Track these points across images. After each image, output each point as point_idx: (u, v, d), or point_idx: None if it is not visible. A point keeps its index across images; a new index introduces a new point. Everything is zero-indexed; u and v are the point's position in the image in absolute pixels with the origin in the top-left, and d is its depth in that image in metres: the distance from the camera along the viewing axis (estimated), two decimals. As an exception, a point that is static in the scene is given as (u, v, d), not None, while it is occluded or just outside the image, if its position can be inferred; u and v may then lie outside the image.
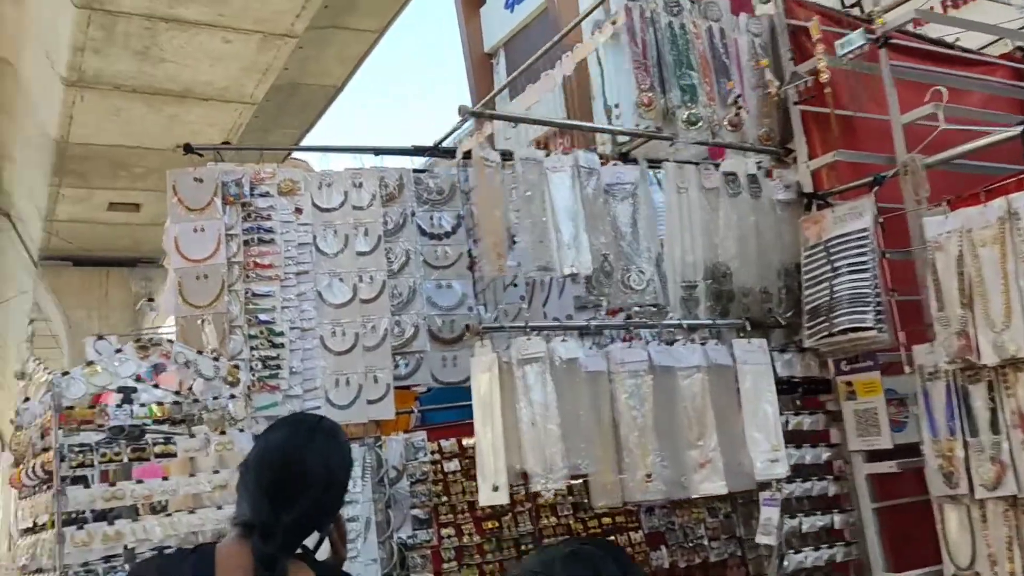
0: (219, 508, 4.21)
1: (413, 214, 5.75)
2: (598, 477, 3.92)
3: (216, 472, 4.25)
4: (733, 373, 4.31)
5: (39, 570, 4.13)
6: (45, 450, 3.97)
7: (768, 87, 4.46)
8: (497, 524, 5.54)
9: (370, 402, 5.34)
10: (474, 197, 4.15)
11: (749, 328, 4.49)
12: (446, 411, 5.71)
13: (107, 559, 4.10)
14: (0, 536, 4.45)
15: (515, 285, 5.63)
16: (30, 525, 4.09)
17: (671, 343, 4.22)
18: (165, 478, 4.11)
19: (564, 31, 5.62)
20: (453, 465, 5.51)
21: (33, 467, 3.97)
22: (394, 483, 5.22)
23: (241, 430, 4.31)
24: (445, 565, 5.32)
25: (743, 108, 4.38)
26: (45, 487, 4.02)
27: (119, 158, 13.71)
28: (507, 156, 4.63)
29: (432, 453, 5.38)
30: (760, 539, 4.16)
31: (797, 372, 4.59)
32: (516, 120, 4.60)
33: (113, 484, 3.97)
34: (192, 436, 4.20)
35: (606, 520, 5.78)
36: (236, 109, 12.20)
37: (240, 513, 2.15)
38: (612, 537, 5.79)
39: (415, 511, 5.27)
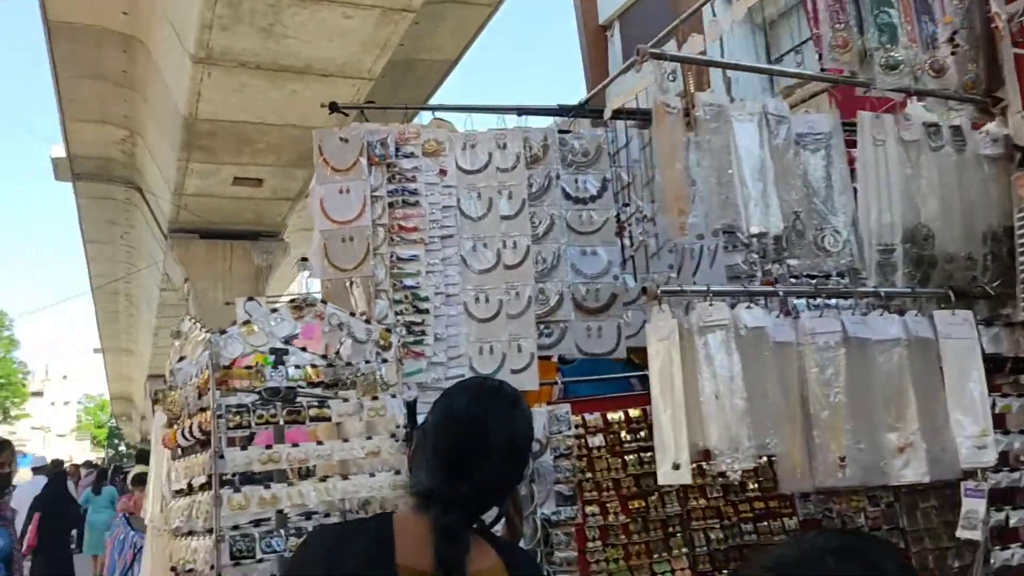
0: (371, 475, 3.96)
1: (558, 177, 5.39)
2: (786, 459, 3.51)
3: (368, 438, 4.00)
4: (935, 348, 3.80)
5: (191, 532, 3.98)
6: (202, 410, 3.79)
7: (993, 20, 3.85)
8: (643, 504, 5.16)
9: (514, 372, 5.03)
10: (654, 147, 3.75)
11: (952, 298, 3.97)
12: (590, 384, 5.33)
13: (256, 523, 3.92)
14: (153, 497, 4.31)
15: (671, 251, 5.21)
16: (183, 487, 3.93)
17: (866, 313, 3.75)
18: (319, 442, 3.88)
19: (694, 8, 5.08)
20: (597, 440, 5.15)
21: (189, 427, 3.80)
22: (537, 456, 4.90)
23: (393, 395, 4.05)
24: (589, 544, 4.97)
25: (959, 47, 3.82)
26: (201, 448, 3.84)
27: (243, 134, 13.86)
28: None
29: (576, 427, 5.03)
30: (962, 533, 3.67)
31: (1005, 349, 4.05)
32: (702, 63, 4.15)
33: (269, 447, 3.76)
34: (345, 400, 3.95)
35: (758, 504, 5.33)
36: (354, 85, 12.10)
37: (418, 481, 1.95)
38: (764, 523, 5.34)
39: (559, 486, 4.94)
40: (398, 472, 3.97)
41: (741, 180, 3.58)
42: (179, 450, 4.09)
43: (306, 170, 15.28)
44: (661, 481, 3.44)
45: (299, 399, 3.91)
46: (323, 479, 3.85)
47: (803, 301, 3.79)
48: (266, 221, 18.21)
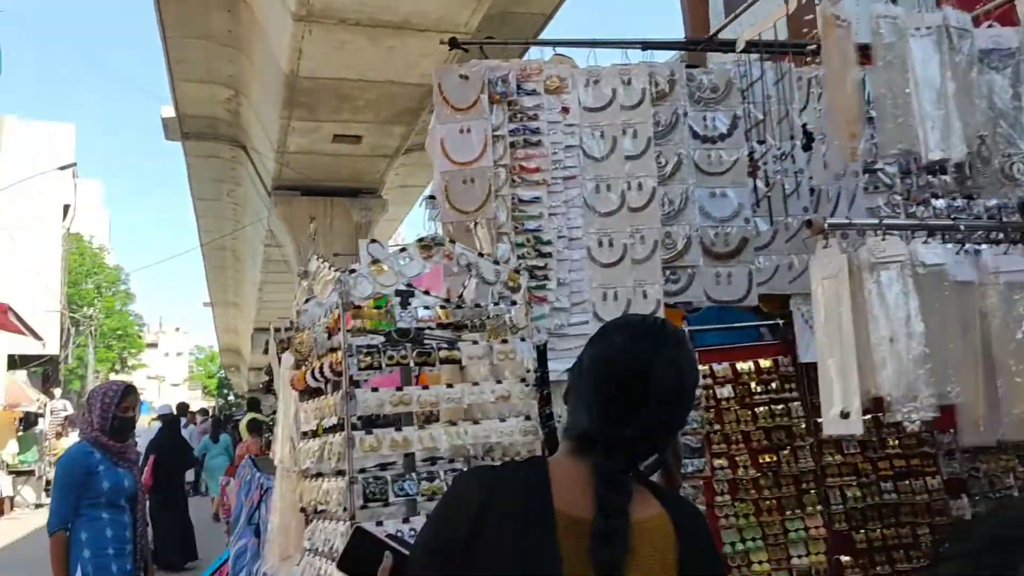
0: (502, 420, 3.73)
1: (685, 114, 5.02)
2: (967, 410, 3.13)
3: (498, 382, 3.77)
4: None
5: (320, 474, 3.84)
6: (332, 350, 3.62)
7: None
8: (775, 458, 4.82)
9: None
10: (823, 63, 3.37)
11: None
12: (718, 332, 4.98)
13: (382, 467, 3.75)
14: (282, 439, 4.19)
15: (811, 191, 4.79)
16: (312, 428, 3.78)
17: (1057, 249, 3.31)
18: (449, 385, 3.67)
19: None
20: (726, 391, 4.82)
21: (320, 367, 3.63)
22: None
23: (522, 339, 3.80)
24: (718, 498, 4.68)
25: None
26: (332, 389, 3.67)
27: (342, 91, 13.76)
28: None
29: (704, 377, 4.70)
30: None
31: None
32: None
33: (400, 389, 3.56)
34: (474, 343, 3.72)
35: (899, 462, 4.93)
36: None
37: (575, 424, 1.73)
38: (906, 482, 4.93)
39: (686, 438, 4.65)
40: (528, 418, 3.74)
41: (919, 101, 3.16)
42: (307, 392, 3.94)
43: (403, 127, 15.23)
44: (827, 432, 3.11)
45: (428, 341, 3.69)
46: (452, 423, 3.65)
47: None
48: (365, 178, 18.24)
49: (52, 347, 28.34)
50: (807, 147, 4.45)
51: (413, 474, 3.54)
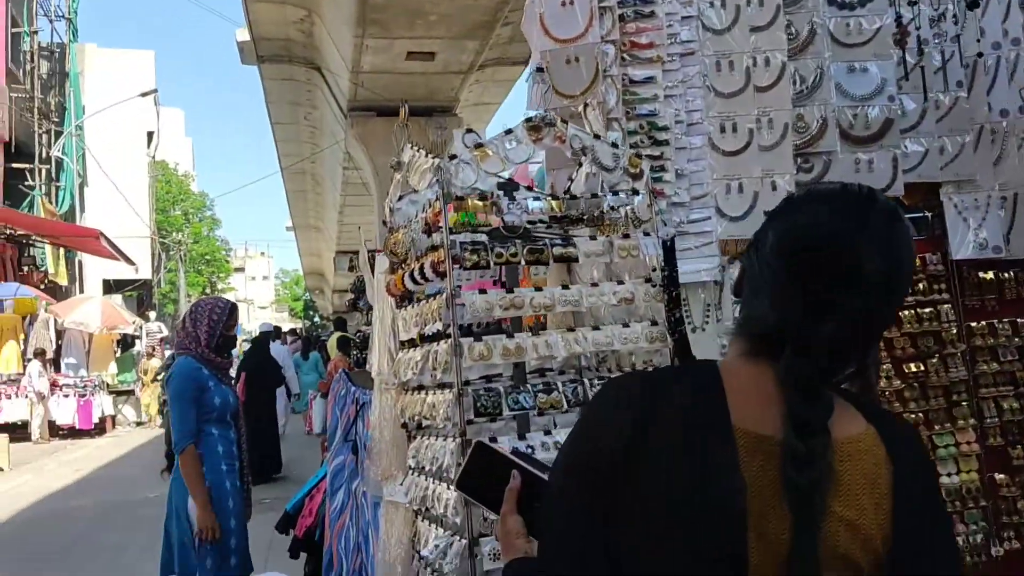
0: (625, 326, 3.20)
1: (819, -24, 4.26)
2: None
3: (620, 283, 3.22)
4: None
5: (422, 387, 3.40)
6: (433, 248, 3.12)
7: None
8: (922, 368, 4.19)
9: (765, 213, 4.08)
10: None
11: None
12: None
13: (488, 379, 3.28)
14: (380, 350, 3.76)
15: (964, 65, 4.04)
16: (413, 336, 3.32)
17: None
18: (565, 286, 3.15)
19: None
20: None
21: (420, 268, 3.14)
22: None
23: (647, 233, 3.23)
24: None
25: None
26: (433, 293, 3.20)
27: (415, 6, 13.22)
28: None
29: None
30: None
31: None
32: None
33: (510, 291, 3.06)
34: (592, 238, 3.17)
35: (1061, 370, 4.24)
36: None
37: (755, 319, 1.31)
38: (1071, 390, 4.25)
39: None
40: (654, 322, 3.20)
41: None
42: (405, 297, 3.47)
43: (476, 41, 14.63)
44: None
45: (539, 236, 3.16)
46: (570, 329, 3.13)
47: None
48: (439, 96, 17.82)
49: (145, 272, 28.91)
50: (973, 4, 3.69)
51: (527, 386, 3.06)
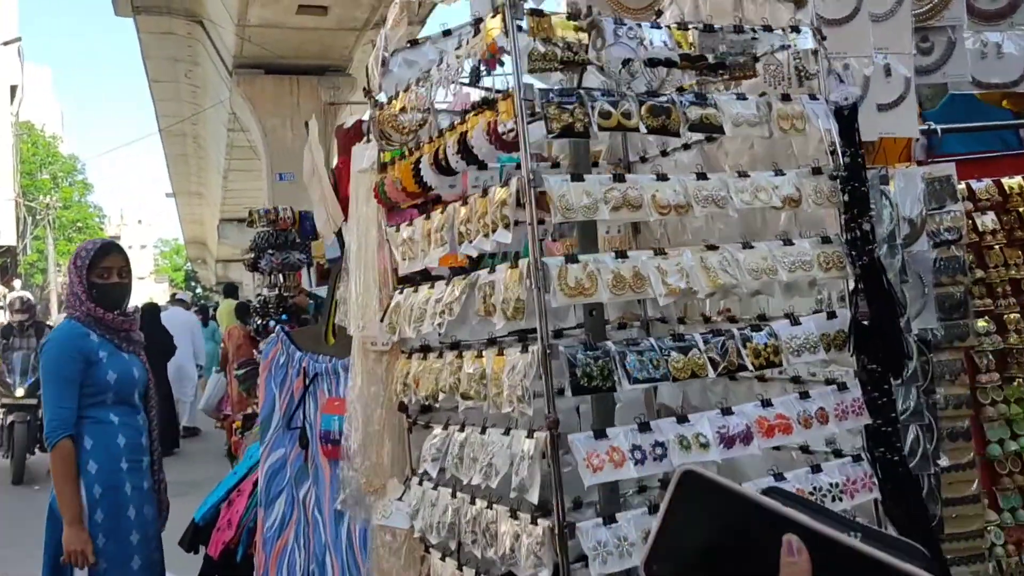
0: (786, 242, 1.85)
1: None
2: None
3: (778, 173, 1.86)
4: None
5: (455, 346, 1.94)
6: (485, 105, 1.64)
7: None
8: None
9: (878, 107, 2.84)
10: None
11: None
12: (970, 135, 3.09)
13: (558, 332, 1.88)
14: (358, 293, 2.24)
15: None
16: (430, 262, 1.86)
17: None
18: (702, 175, 1.76)
19: None
20: (987, 221, 3.01)
21: (462, 141, 1.66)
22: (909, 244, 2.80)
23: (813, 96, 1.89)
24: (981, 376, 2.94)
25: None
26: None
27: (308, -50, 11.48)
28: None
29: (961, 200, 2.89)
30: None
31: None
32: None
33: (620, 179, 1.65)
34: (740, 97, 1.80)
35: None
36: None
37: None
38: None
39: (939, 290, 2.86)
40: (826, 239, 1.87)
41: None
42: (412, 202, 1.98)
43: None
44: None
45: (660, 91, 1.75)
46: (711, 247, 1.76)
47: None
48: (332, 54, 16.20)
49: (8, 238, 25.25)
50: None
51: (651, 341, 1.67)
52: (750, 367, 1.69)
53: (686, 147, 2.18)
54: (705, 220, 2.07)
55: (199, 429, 11.04)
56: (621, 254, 1.65)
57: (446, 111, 2.02)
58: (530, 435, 1.64)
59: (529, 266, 1.59)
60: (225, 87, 17.06)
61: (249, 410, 7.03)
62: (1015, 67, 2.97)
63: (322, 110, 16.80)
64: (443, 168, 1.79)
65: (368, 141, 2.13)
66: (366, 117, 2.40)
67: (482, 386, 1.76)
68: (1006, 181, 3.02)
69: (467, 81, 1.72)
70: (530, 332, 1.69)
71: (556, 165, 2.34)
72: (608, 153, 2.38)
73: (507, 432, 1.73)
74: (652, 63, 1.67)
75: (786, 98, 1.85)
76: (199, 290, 43.69)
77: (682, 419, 1.67)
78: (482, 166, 1.74)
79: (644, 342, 1.66)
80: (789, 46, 1.85)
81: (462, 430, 1.89)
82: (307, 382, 2.88)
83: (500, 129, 1.58)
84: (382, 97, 2.15)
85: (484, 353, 1.78)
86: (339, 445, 2.62)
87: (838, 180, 1.85)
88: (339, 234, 2.73)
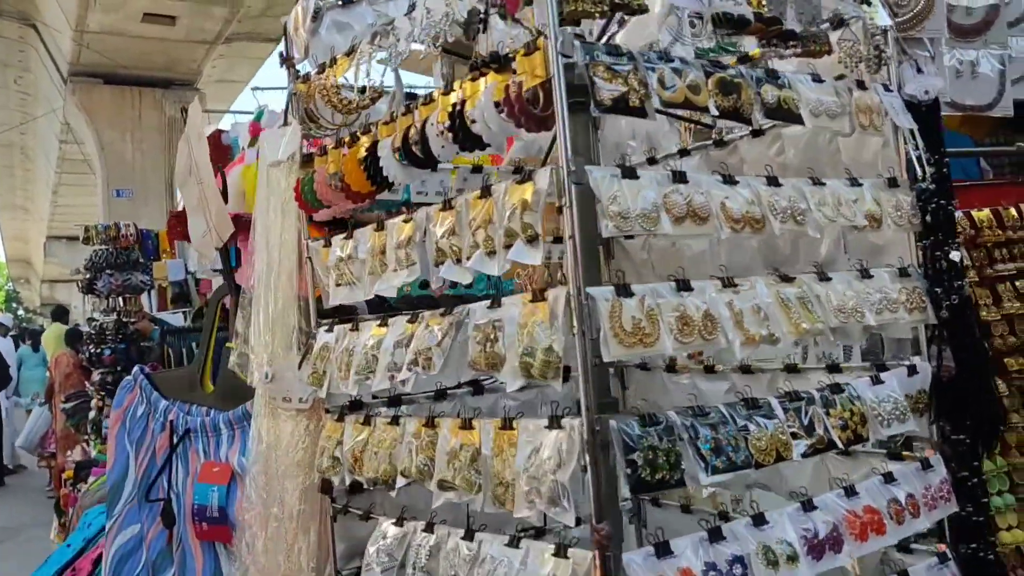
0: (864, 275, 1.37)
1: None
2: None
3: (855, 182, 1.38)
4: None
5: (358, 405, 1.30)
6: (493, 67, 1.04)
7: None
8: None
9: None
10: None
11: None
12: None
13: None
14: (265, 330, 1.54)
15: None
16: (393, 283, 1.23)
17: None
18: (773, 181, 1.24)
19: None
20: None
21: (455, 114, 1.05)
22: None
23: (887, 87, 1.43)
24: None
25: None
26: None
27: (156, -43, 10.58)
28: None
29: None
30: None
31: None
32: None
33: (681, 178, 1.11)
34: (816, 80, 1.30)
35: None
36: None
37: None
38: None
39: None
40: (904, 271, 1.37)
41: None
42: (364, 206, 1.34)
43: (225, 9, 12.14)
44: None
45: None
46: (785, 278, 1.24)
47: None
48: (179, 67, 14.96)
49: None
50: None
51: (722, 409, 1.11)
52: (839, 443, 1.18)
53: (683, 153, 1.66)
54: (709, 241, 1.57)
55: (24, 467, 9.42)
56: (684, 285, 1.09)
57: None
58: (561, 552, 1.04)
59: (568, 299, 1.00)
60: (59, 96, 15.32)
61: (78, 453, 5.87)
62: (989, 89, 2.70)
63: (166, 125, 15.50)
64: (415, 156, 1.17)
65: (285, 124, 1.46)
66: (227, 127, 1.77)
67: (473, 472, 1.14)
68: (976, 213, 2.73)
69: (461, 32, 1.12)
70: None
71: (518, 170, 1.75)
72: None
73: (515, 543, 1.11)
74: (717, 22, 1.14)
75: (860, 85, 1.38)
76: (21, 312, 38.93)
77: (759, 519, 1.13)
78: (481, 146, 1.13)
79: (712, 411, 1.11)
80: (862, 18, 1.38)
81: (429, 530, 1.25)
82: (175, 440, 2.09)
83: (526, 96, 0.99)
84: (306, 67, 1.49)
85: (476, 423, 1.16)
86: (219, 525, 1.89)
87: (921, 186, 1.39)
88: (224, 251, 2.00)
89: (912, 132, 1.38)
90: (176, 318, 6.80)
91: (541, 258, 1.03)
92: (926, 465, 1.36)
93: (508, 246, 1.05)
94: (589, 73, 1.01)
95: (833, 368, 1.37)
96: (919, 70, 1.52)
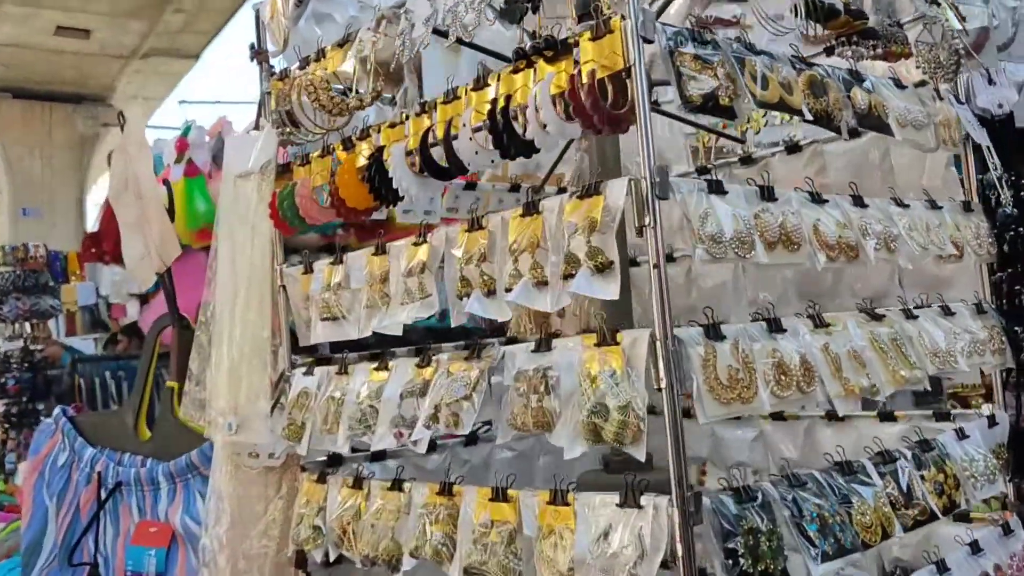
0: (947, 311, 1.18)
1: None
2: None
3: (934, 204, 1.20)
4: None
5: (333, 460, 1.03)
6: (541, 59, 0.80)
7: None
8: None
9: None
10: None
11: None
12: None
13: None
14: (227, 371, 1.23)
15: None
16: (399, 319, 0.97)
17: None
18: (858, 201, 1.04)
19: None
20: None
21: (499, 113, 0.81)
22: None
23: (960, 100, 1.26)
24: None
25: None
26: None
27: (69, -31, 10.13)
28: None
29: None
30: None
31: None
32: None
33: (771, 194, 0.90)
34: (899, 85, 1.12)
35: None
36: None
37: None
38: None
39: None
40: (981, 308, 1.20)
41: None
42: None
43: (143, 23, 11.66)
44: None
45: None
46: (873, 316, 1.04)
47: None
48: (92, 82, 14.40)
49: None
50: None
51: (818, 477, 0.89)
52: (938, 513, 0.98)
53: (701, 171, 1.46)
54: (733, 270, 1.37)
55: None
56: (776, 325, 0.87)
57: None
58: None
59: (653, 344, 0.77)
60: (-39, 108, 14.26)
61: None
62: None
63: (77, 141, 14.72)
64: (436, 165, 0.91)
65: (256, 128, 1.17)
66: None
67: (511, 557, 0.87)
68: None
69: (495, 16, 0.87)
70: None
71: (516, 188, 1.52)
72: (576, 178, 1.59)
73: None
74: (806, 11, 0.94)
75: (939, 95, 1.21)
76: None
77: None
78: (528, 152, 0.88)
79: (808, 479, 0.88)
80: (939, 20, 1.21)
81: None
82: (103, 495, 1.72)
83: (580, 97, 0.76)
84: (281, 63, 1.21)
85: (512, 494, 0.90)
86: (156, 598, 1.55)
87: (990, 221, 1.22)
88: (166, 276, 1.66)
89: (989, 149, 1.22)
90: (86, 344, 6.25)
91: (617, 291, 0.79)
92: (1007, 530, 1.18)
93: (568, 275, 0.81)
94: (675, 62, 0.79)
95: (886, 416, 1.17)
96: (991, 81, 1.36)
